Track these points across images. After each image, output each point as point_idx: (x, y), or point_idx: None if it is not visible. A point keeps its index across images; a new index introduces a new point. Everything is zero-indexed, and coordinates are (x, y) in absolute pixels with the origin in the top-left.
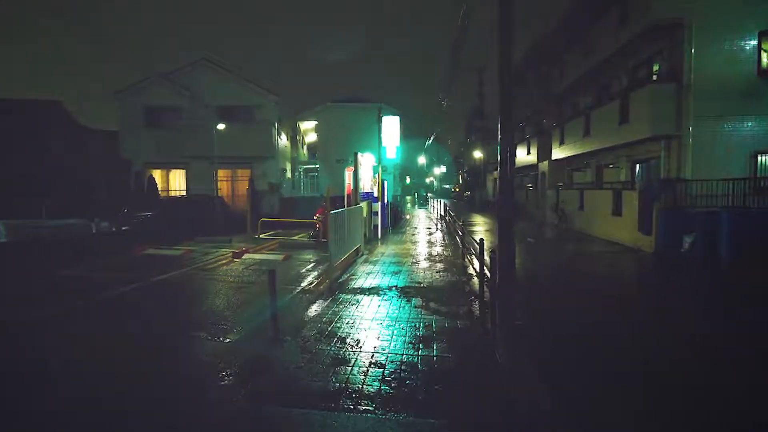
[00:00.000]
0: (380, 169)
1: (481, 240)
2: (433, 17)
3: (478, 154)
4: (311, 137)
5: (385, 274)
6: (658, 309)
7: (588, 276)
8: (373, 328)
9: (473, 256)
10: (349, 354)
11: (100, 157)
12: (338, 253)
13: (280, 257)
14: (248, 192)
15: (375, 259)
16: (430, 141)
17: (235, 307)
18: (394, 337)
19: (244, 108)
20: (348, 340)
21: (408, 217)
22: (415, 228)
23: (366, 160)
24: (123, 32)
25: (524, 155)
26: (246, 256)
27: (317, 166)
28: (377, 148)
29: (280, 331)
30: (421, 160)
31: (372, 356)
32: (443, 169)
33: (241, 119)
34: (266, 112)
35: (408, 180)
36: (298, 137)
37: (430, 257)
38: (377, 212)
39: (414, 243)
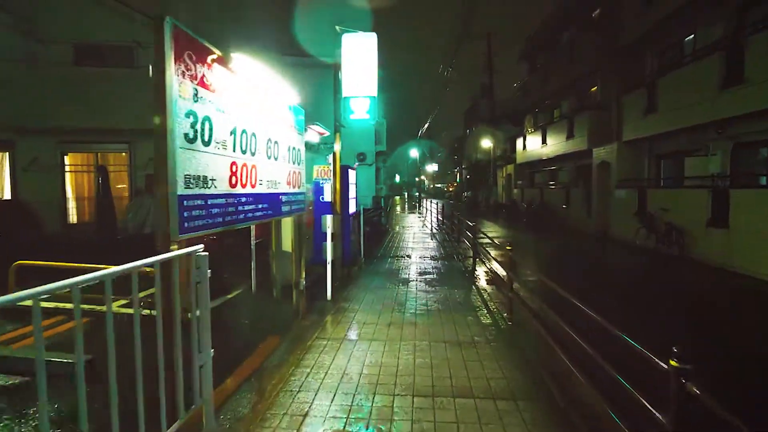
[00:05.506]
0: (337, 146)
1: None
2: None
3: (486, 143)
4: None
5: None
6: None
7: None
8: None
9: None
10: None
11: None
12: None
13: None
14: (97, 191)
15: None
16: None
17: None
18: None
19: (117, 49)
20: None
21: (396, 229)
22: (411, 257)
23: (274, 98)
24: None
25: (560, 141)
26: None
27: None
28: (334, 106)
29: None
30: (413, 153)
31: None
32: (435, 167)
33: (112, 66)
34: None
35: (398, 178)
36: None
37: None
38: (333, 233)
39: (419, 325)
